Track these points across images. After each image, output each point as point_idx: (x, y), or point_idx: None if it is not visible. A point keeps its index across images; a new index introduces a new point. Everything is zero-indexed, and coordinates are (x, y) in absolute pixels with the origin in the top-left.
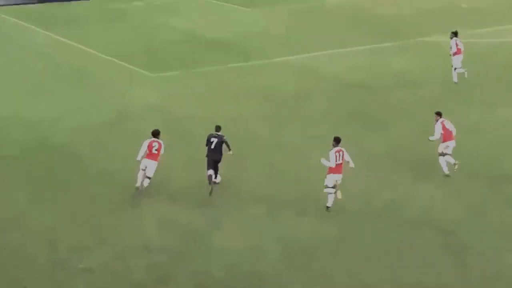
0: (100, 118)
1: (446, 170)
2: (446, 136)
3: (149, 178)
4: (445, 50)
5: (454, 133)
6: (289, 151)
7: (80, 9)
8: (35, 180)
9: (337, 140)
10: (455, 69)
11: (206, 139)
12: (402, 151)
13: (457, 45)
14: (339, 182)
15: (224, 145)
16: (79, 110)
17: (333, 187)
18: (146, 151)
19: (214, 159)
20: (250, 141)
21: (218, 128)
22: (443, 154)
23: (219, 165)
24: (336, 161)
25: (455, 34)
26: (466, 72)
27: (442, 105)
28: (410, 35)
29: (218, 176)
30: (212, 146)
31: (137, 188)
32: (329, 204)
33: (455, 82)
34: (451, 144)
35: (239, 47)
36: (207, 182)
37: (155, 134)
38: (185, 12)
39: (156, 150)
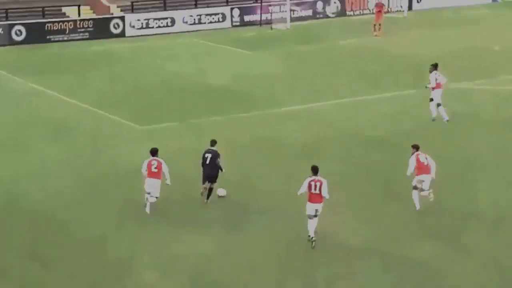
0: (79, 178)
1: (417, 205)
2: (420, 169)
3: (156, 197)
4: (475, 99)
5: (431, 167)
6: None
7: (58, 52)
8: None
9: (314, 170)
10: (438, 105)
11: (201, 155)
12: None
13: (436, 79)
14: (319, 211)
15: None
16: (55, 168)
17: (314, 216)
18: (146, 171)
19: (210, 174)
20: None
21: (213, 143)
22: (415, 188)
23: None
24: (312, 190)
25: (435, 67)
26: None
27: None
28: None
29: (223, 190)
30: (207, 162)
31: (147, 212)
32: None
33: (446, 120)
34: (425, 178)
35: (242, 95)
36: (200, 192)
37: (153, 152)
38: (180, 55)
39: (155, 168)
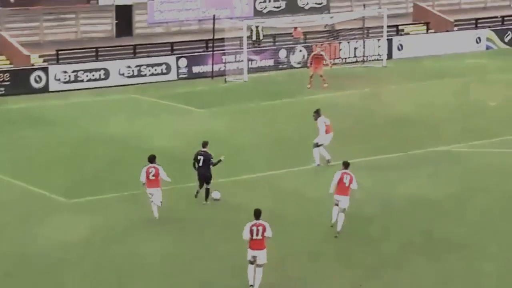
0: None
1: (333, 218)
2: (338, 189)
3: (158, 205)
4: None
5: (350, 189)
6: None
7: None
8: None
9: (256, 214)
10: (318, 144)
11: (193, 157)
12: None
13: (325, 122)
14: (260, 260)
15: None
16: None
17: (251, 262)
18: (145, 178)
19: (204, 176)
20: None
21: (204, 144)
22: (336, 204)
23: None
24: (253, 236)
25: (317, 113)
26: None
27: None
28: (422, 143)
29: (218, 192)
30: (200, 164)
31: (155, 216)
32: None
33: (317, 164)
34: (341, 199)
35: (189, 161)
36: (195, 193)
37: (151, 159)
38: (116, 114)
39: (153, 175)
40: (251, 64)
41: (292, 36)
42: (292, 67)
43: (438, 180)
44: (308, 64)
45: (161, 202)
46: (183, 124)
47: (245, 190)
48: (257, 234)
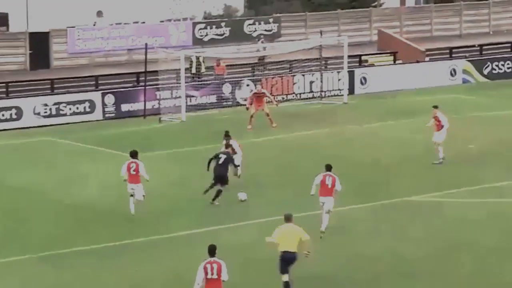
0: None
1: (322, 226)
2: (321, 191)
3: (140, 200)
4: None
5: (334, 190)
6: None
7: None
8: None
9: (210, 251)
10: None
11: (213, 155)
12: None
13: (239, 146)
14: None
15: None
16: None
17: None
18: (126, 173)
19: (220, 175)
20: None
21: (227, 146)
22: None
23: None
24: (207, 275)
25: (227, 136)
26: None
27: None
28: (389, 192)
29: (244, 194)
30: (220, 162)
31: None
32: None
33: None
34: (325, 200)
35: (117, 217)
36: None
37: (133, 155)
38: (30, 161)
39: (134, 171)
40: (190, 101)
41: (215, 71)
42: (238, 104)
43: (413, 236)
44: (248, 104)
45: (143, 196)
46: (111, 172)
47: (183, 246)
48: (211, 273)
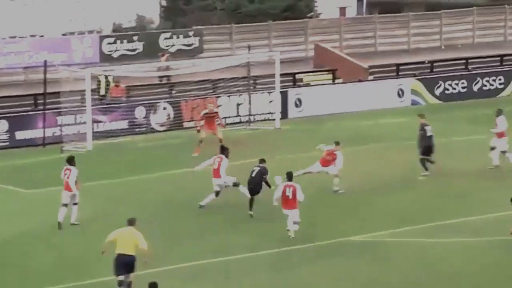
0: None
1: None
2: (283, 203)
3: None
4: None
5: (296, 202)
6: None
7: None
8: None
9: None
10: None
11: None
12: None
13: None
14: None
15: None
16: None
17: None
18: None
19: (254, 189)
20: None
21: (262, 161)
22: None
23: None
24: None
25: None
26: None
27: None
28: (332, 231)
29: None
30: (253, 174)
31: (59, 223)
32: None
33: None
34: (288, 213)
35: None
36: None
37: (69, 160)
38: None
39: (67, 177)
40: (98, 127)
41: (110, 94)
42: (153, 130)
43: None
44: (197, 127)
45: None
46: (5, 211)
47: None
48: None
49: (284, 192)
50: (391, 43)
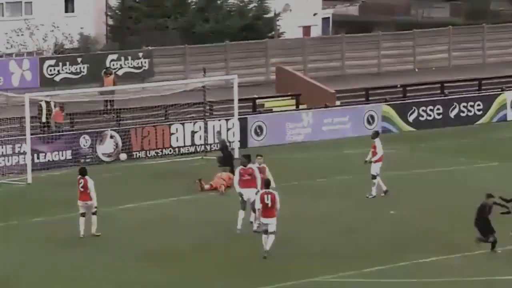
0: None
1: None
2: (263, 211)
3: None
4: None
5: (275, 210)
6: None
7: None
8: None
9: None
10: None
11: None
12: None
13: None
14: None
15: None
16: None
17: None
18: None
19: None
20: None
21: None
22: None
23: None
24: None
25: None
26: None
27: None
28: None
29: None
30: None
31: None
32: None
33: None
34: (268, 221)
35: None
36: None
37: (81, 171)
38: None
39: (82, 187)
40: (38, 157)
41: (54, 119)
42: (100, 161)
43: None
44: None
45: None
46: None
47: None
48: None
49: (262, 199)
50: (360, 65)
